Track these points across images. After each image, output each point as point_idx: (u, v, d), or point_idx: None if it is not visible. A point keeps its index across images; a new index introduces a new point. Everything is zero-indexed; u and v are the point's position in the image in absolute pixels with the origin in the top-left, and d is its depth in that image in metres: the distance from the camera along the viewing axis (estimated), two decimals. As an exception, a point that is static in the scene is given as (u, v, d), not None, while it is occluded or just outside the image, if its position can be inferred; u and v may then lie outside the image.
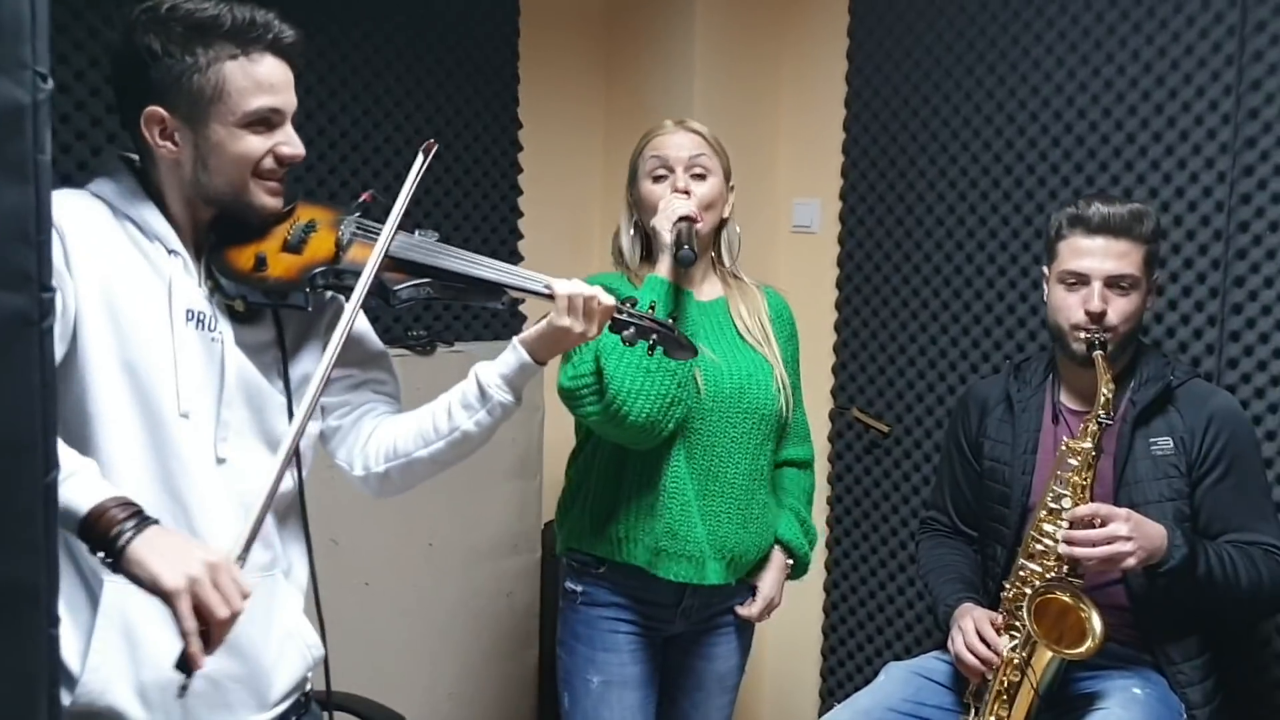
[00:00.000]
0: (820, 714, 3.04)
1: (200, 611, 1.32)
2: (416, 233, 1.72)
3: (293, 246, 1.63)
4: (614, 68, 3.40)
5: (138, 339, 1.50)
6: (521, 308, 3.02)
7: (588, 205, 3.40)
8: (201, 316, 1.56)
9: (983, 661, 2.11)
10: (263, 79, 1.53)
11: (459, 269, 1.70)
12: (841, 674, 3.24)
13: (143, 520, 1.35)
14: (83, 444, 1.46)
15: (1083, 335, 2.17)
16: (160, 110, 1.51)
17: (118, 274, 1.50)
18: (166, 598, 1.31)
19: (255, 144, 1.54)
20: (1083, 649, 1.99)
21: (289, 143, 1.57)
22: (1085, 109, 2.66)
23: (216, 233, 1.61)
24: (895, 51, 3.02)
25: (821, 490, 3.21)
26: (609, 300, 1.74)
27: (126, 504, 1.35)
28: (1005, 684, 2.07)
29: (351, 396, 1.82)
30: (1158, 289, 2.34)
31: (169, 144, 1.53)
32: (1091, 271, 2.18)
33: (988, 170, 2.85)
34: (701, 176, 2.23)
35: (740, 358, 2.24)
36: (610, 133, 3.40)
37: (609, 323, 1.76)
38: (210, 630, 1.33)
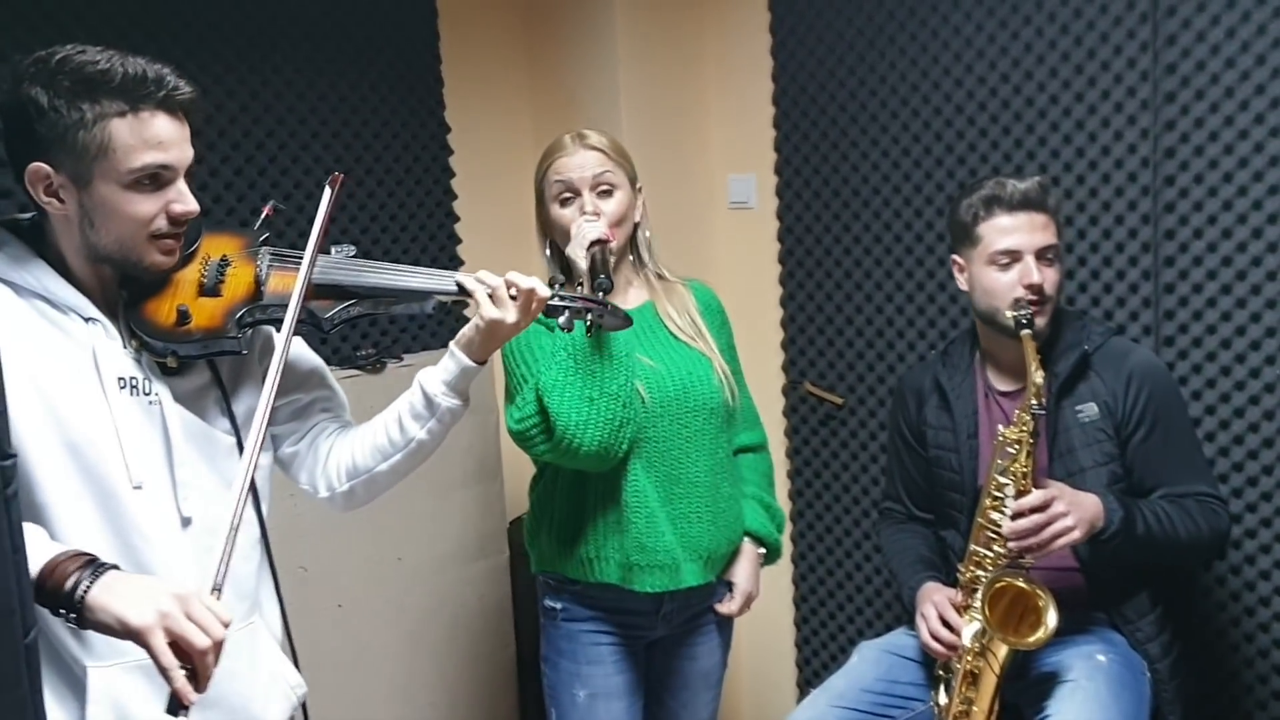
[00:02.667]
0: (800, 693, 3.10)
1: (179, 647, 1.28)
2: (333, 250, 1.70)
3: (210, 289, 1.60)
4: (536, 59, 3.37)
5: (75, 418, 1.47)
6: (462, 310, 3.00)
7: (524, 201, 3.35)
8: (134, 381, 1.54)
9: (947, 646, 2.17)
10: (150, 137, 1.46)
11: (384, 284, 1.70)
12: (816, 642, 3.29)
13: (98, 567, 1.33)
14: None
15: (1023, 306, 2.18)
16: (44, 166, 1.45)
17: (39, 356, 1.47)
18: (138, 637, 1.28)
19: (142, 203, 1.48)
20: (1033, 640, 2.05)
21: (180, 199, 1.51)
22: (1008, 72, 2.68)
23: (128, 289, 1.56)
24: (818, 23, 3.02)
25: (781, 466, 3.25)
26: (528, 283, 1.72)
27: (78, 555, 1.34)
28: (970, 668, 2.13)
29: (301, 421, 1.82)
30: (1080, 259, 2.39)
31: (54, 200, 1.47)
32: (1023, 246, 2.20)
33: (919, 137, 2.87)
34: (608, 193, 2.21)
35: (678, 357, 2.24)
36: (539, 126, 3.37)
37: (543, 311, 1.77)
38: (195, 664, 1.29)
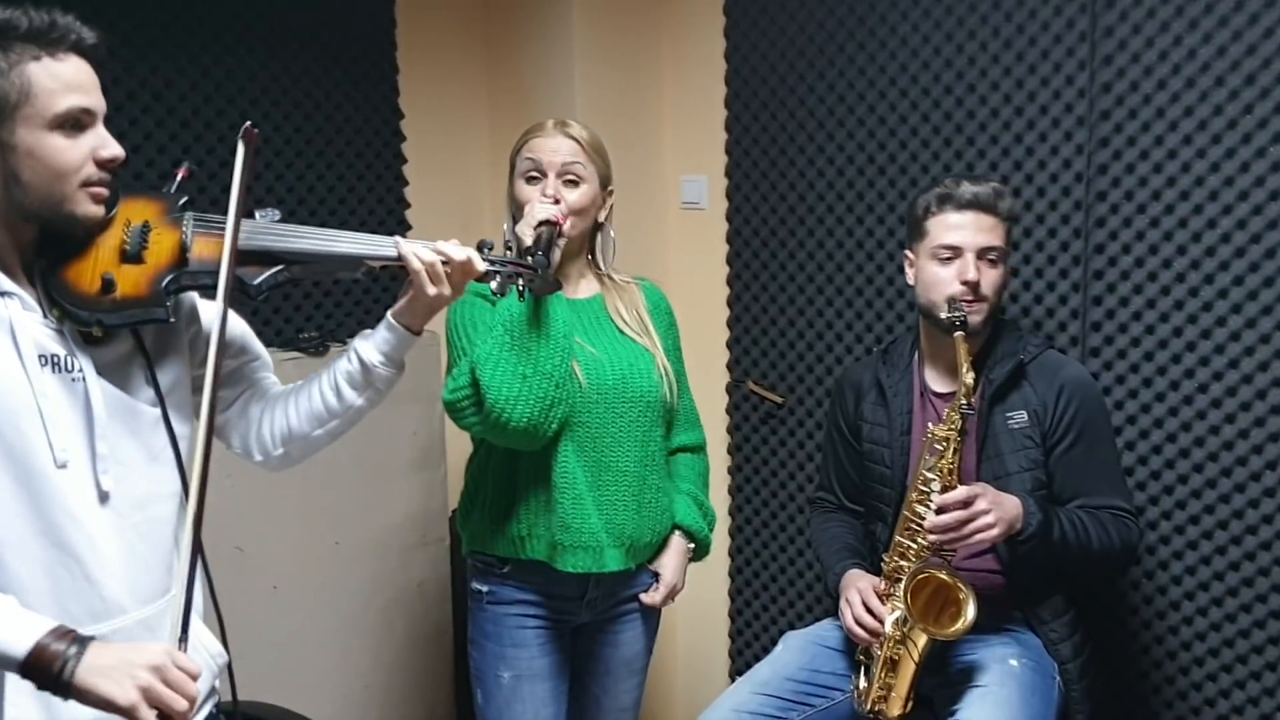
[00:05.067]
0: (732, 683, 3.14)
1: (162, 711, 1.38)
2: (258, 214, 1.68)
3: (133, 255, 1.56)
4: (494, 47, 3.40)
5: None
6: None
7: (476, 190, 3.41)
8: (56, 358, 1.51)
9: (870, 632, 2.23)
10: (70, 79, 1.46)
11: (313, 248, 1.68)
12: (749, 634, 3.36)
13: (80, 644, 1.38)
14: None
15: (957, 306, 2.25)
16: None
17: None
18: (125, 714, 1.37)
19: (68, 150, 1.46)
20: (952, 630, 2.12)
21: (104, 145, 1.50)
22: (951, 85, 2.75)
23: (46, 254, 1.53)
24: (770, 29, 3.07)
25: (722, 461, 3.31)
26: (461, 256, 1.74)
27: (61, 634, 1.39)
28: (890, 654, 2.19)
29: (230, 388, 1.83)
30: (1012, 269, 2.45)
31: None
32: (964, 244, 2.28)
33: (863, 146, 2.93)
34: (574, 183, 2.24)
35: (620, 349, 2.29)
36: (495, 119, 3.41)
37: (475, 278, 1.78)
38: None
